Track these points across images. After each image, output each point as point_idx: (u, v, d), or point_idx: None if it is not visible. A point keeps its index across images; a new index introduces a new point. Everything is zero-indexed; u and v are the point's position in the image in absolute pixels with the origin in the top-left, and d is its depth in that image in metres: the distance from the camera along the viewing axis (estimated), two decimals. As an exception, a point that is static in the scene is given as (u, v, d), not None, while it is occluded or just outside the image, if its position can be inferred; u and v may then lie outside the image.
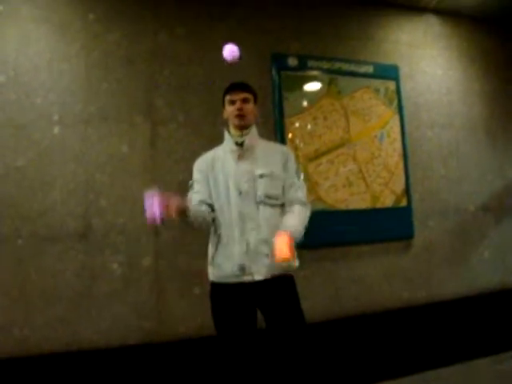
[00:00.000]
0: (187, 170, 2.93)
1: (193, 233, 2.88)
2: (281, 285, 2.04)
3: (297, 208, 2.08)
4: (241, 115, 2.08)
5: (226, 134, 2.15)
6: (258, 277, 1.99)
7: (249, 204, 2.02)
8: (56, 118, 2.78)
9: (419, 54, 3.97)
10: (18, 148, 2.73)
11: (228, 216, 2.04)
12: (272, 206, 2.05)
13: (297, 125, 3.32)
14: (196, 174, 2.16)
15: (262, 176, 2.04)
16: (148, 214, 1.76)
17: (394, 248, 3.59)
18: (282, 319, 2.02)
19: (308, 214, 2.13)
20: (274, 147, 2.23)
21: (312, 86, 3.44)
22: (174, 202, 1.79)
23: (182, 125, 3.03)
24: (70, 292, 2.72)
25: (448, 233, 3.86)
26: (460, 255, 3.89)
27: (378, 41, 3.79)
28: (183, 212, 1.86)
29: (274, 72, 3.32)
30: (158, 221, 1.75)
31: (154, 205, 1.75)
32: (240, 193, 2.02)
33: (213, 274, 2.10)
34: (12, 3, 2.79)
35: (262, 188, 2.04)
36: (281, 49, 3.37)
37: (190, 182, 2.18)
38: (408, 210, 3.63)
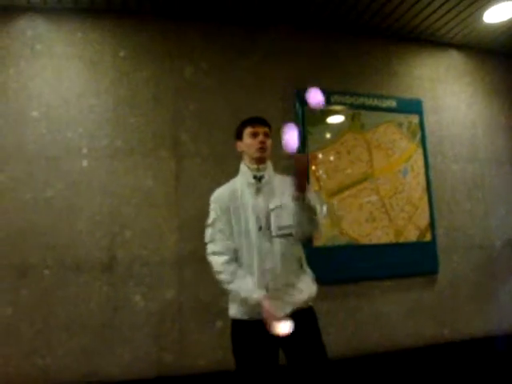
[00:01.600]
0: (211, 204, 3.01)
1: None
2: (302, 319, 2.00)
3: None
4: (263, 148, 2.07)
5: (243, 167, 2.14)
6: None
7: (266, 240, 2.01)
8: (85, 151, 2.87)
9: (443, 88, 3.97)
10: (48, 179, 2.82)
11: (248, 252, 2.03)
12: (284, 236, 2.02)
13: (320, 159, 3.33)
14: (217, 210, 2.08)
15: (273, 209, 2.02)
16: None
17: (418, 284, 3.53)
18: (304, 355, 1.99)
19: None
20: (288, 180, 2.14)
21: (335, 121, 3.47)
22: None
23: (206, 159, 3.08)
24: (92, 323, 2.75)
25: (473, 268, 3.77)
26: (486, 292, 3.79)
27: (402, 75, 3.82)
28: None
29: (297, 107, 3.36)
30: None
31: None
32: (260, 228, 2.01)
33: (234, 311, 2.09)
34: (47, 41, 2.93)
35: (274, 221, 2.02)
36: (304, 84, 3.38)
37: (210, 220, 2.09)
38: (432, 244, 3.58)
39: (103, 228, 2.84)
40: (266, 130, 2.12)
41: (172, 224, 2.94)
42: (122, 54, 3.02)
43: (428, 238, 3.57)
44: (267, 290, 1.97)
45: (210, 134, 3.11)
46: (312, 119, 3.37)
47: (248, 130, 2.12)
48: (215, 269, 2.04)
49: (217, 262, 2.03)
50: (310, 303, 2.08)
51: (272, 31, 3.44)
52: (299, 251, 2.10)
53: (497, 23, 3.71)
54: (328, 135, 3.41)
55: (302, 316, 2.01)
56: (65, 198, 2.83)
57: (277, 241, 2.01)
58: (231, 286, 2.00)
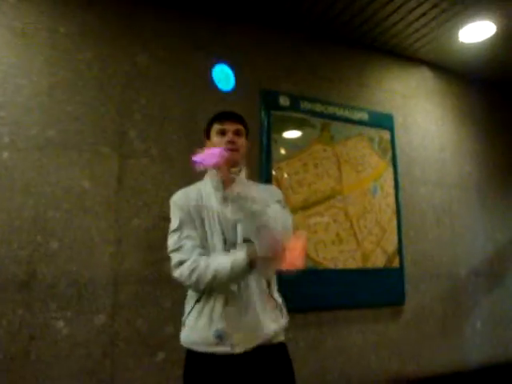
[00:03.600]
0: (160, 214, 2.54)
1: (159, 287, 2.47)
2: (270, 357, 1.66)
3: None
4: (232, 149, 1.72)
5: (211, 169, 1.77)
6: (239, 349, 1.60)
7: None
8: (7, 140, 2.32)
9: (413, 105, 3.77)
10: (-43, 173, 2.27)
11: None
12: None
13: (285, 170, 2.97)
14: (179, 213, 1.71)
15: (239, 221, 1.67)
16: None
17: (384, 314, 3.22)
18: None
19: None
20: (262, 188, 1.88)
21: (304, 130, 3.12)
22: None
23: (156, 160, 2.63)
24: (1, 354, 2.18)
25: (439, 299, 3.52)
26: (452, 325, 3.54)
27: (373, 88, 3.57)
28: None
29: (262, 110, 3.00)
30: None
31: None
32: (225, 242, 1.67)
33: (184, 338, 1.70)
34: (-31, 7, 2.40)
35: (240, 234, 1.68)
36: (271, 86, 3.07)
37: (176, 224, 1.70)
38: (400, 272, 3.28)
39: (23, 236, 2.29)
40: (238, 127, 1.78)
41: (109, 235, 2.44)
42: (62, 29, 2.52)
43: (396, 264, 3.27)
44: (228, 319, 1.61)
45: (162, 132, 2.67)
46: (278, 125, 3.01)
47: (216, 127, 1.78)
48: (184, 277, 1.61)
49: (185, 268, 1.61)
50: (280, 338, 1.72)
51: (240, 26, 3.07)
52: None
53: (471, 44, 3.56)
54: (295, 145, 3.06)
55: (269, 354, 1.65)
56: (-23, 197, 2.28)
57: None
58: (210, 273, 1.58)
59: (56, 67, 2.48)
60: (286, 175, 2.93)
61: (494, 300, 3.86)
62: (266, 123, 2.97)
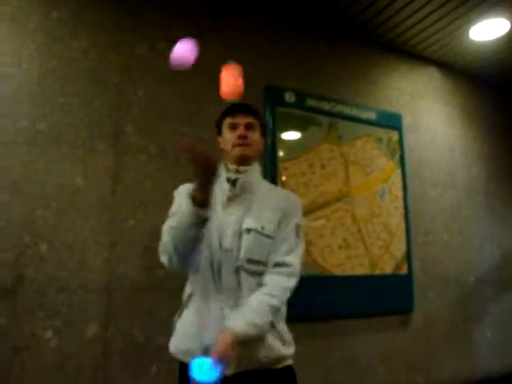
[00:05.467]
0: (157, 215, 2.35)
1: (155, 294, 2.30)
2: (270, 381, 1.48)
3: (273, 280, 1.48)
4: (243, 144, 1.56)
5: (221, 167, 1.61)
6: (229, 370, 1.38)
7: (229, 266, 1.48)
8: (-8, 133, 2.15)
9: (421, 105, 3.62)
10: None
11: (204, 274, 1.50)
12: (254, 274, 1.49)
13: (291, 171, 2.80)
14: (178, 199, 1.60)
15: (248, 231, 1.49)
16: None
17: (392, 323, 3.06)
18: None
19: (290, 286, 1.51)
20: (278, 194, 1.70)
21: (310, 128, 2.95)
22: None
23: (154, 157, 2.45)
24: (-18, 366, 2.00)
25: (448, 307, 3.38)
26: (461, 333, 3.40)
27: (381, 86, 3.42)
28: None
29: (267, 107, 2.83)
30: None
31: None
32: (221, 249, 1.49)
33: (172, 345, 1.54)
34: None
35: (245, 248, 1.49)
36: (277, 81, 2.91)
37: (173, 209, 1.57)
38: (408, 278, 3.13)
39: (9, 238, 2.09)
40: (250, 120, 1.61)
41: (103, 237, 2.25)
42: (55, 14, 2.33)
43: (404, 270, 3.12)
44: (222, 322, 1.42)
45: (161, 128, 2.49)
46: (283, 123, 2.84)
47: (226, 122, 1.63)
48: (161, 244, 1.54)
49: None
50: (288, 363, 1.53)
51: (246, 19, 2.91)
52: None
53: (482, 42, 3.41)
54: (301, 144, 2.89)
55: (270, 378, 1.47)
56: (-41, 195, 2.09)
57: (242, 273, 1.48)
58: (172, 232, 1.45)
59: (48, 55, 2.29)
60: (284, 178, 2.75)
61: (503, 308, 3.72)
62: (270, 120, 2.80)
